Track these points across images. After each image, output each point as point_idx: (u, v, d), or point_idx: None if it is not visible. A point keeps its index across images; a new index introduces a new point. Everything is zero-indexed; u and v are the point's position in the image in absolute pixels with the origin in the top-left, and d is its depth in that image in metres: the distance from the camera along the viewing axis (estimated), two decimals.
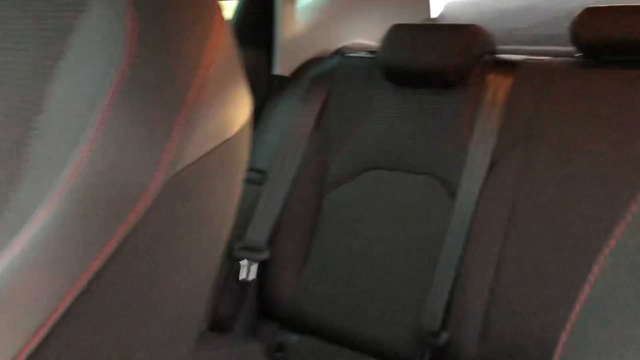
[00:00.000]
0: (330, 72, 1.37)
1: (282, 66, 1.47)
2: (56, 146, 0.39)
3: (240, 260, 1.25)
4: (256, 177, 1.32)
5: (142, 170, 0.38)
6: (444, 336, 1.06)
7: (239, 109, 0.47)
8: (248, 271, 1.25)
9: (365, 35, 1.58)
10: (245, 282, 1.25)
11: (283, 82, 1.45)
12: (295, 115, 1.34)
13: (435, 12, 1.79)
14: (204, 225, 0.48)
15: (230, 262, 1.25)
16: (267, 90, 1.46)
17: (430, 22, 1.73)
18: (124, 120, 0.39)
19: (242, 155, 0.50)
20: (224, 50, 0.47)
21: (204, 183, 0.45)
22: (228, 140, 0.45)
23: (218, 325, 1.24)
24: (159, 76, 0.41)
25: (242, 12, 1.45)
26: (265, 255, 1.24)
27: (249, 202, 1.29)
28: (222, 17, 0.50)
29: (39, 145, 0.41)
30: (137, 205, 0.38)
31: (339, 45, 1.51)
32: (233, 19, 1.45)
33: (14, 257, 0.34)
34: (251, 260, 1.25)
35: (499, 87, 1.18)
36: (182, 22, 0.45)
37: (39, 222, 0.35)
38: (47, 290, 0.34)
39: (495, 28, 1.37)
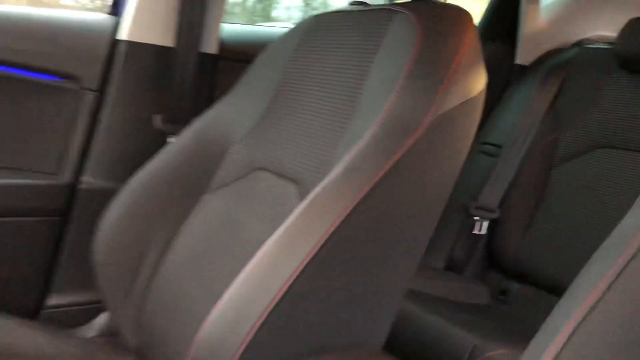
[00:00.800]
0: (567, 62, 1.55)
1: (523, 56, 1.69)
2: (375, 96, 0.73)
3: (475, 217, 1.51)
4: (492, 149, 1.57)
5: (421, 111, 0.69)
6: None
7: (478, 81, 0.76)
8: (480, 226, 1.51)
9: (607, 27, 1.70)
10: (477, 235, 1.52)
11: (523, 70, 1.67)
12: (532, 99, 1.55)
13: None
14: (444, 164, 0.75)
15: (466, 218, 1.53)
16: (509, 77, 1.69)
17: None
18: (412, 82, 0.70)
19: (476, 115, 0.78)
20: (471, 44, 0.76)
21: (451, 130, 0.74)
22: (469, 100, 0.73)
23: (452, 266, 1.53)
24: (433, 60, 0.71)
25: (492, 12, 1.71)
26: (496, 214, 1.49)
27: (485, 170, 1.55)
28: (471, 23, 0.78)
29: (365, 97, 0.76)
30: (414, 133, 0.69)
31: (579, 37, 1.67)
32: (483, 18, 1.72)
33: (352, 153, 0.68)
34: (483, 218, 1.51)
35: None
36: (448, 26, 0.75)
37: (367, 135, 0.68)
38: (366, 167, 0.67)
39: None
